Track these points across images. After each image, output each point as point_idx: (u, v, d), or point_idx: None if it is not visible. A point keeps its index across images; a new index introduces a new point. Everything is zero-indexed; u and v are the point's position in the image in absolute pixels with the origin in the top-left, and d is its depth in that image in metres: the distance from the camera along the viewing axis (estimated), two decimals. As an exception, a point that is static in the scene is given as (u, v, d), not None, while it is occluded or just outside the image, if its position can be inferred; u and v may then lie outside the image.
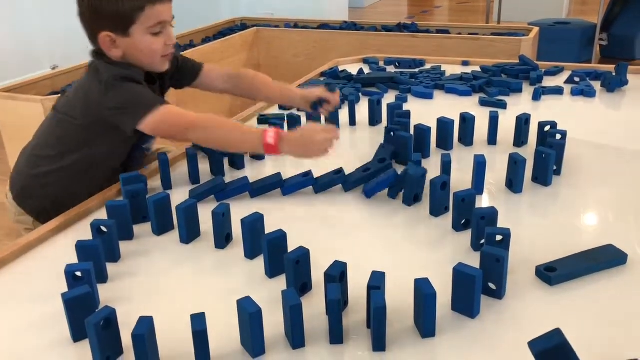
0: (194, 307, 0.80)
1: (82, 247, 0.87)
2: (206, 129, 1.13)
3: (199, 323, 0.70)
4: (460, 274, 0.77)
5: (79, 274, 0.80)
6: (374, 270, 0.78)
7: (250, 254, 0.93)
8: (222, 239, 0.96)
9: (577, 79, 1.74)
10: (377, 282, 0.76)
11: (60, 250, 0.98)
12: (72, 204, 1.10)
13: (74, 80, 2.42)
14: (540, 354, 0.54)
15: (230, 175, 1.23)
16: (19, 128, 2.12)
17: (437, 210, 1.03)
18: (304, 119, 1.45)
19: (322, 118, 1.42)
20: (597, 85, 1.70)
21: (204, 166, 1.24)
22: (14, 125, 2.13)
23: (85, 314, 0.72)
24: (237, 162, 1.27)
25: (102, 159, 1.21)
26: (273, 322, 0.76)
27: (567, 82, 1.75)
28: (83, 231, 1.02)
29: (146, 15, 1.11)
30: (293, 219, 1.06)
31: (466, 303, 0.78)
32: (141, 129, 1.11)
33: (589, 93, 1.64)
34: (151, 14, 1.12)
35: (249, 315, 0.70)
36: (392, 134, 1.26)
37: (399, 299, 0.80)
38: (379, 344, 0.72)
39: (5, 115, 2.13)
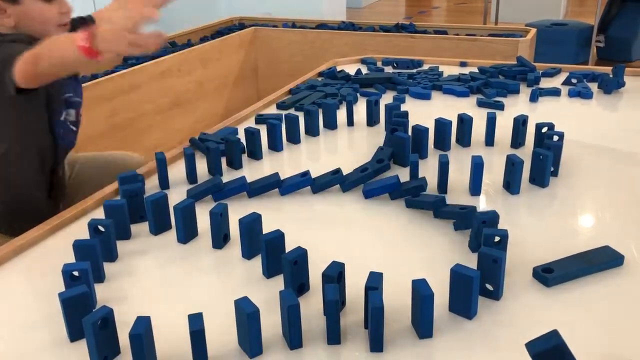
0: (191, 307, 0.80)
1: (79, 247, 0.87)
2: (42, 55, 1.06)
3: (196, 323, 0.70)
4: (458, 275, 0.77)
5: (76, 273, 0.80)
6: (372, 270, 0.78)
7: (248, 254, 0.93)
8: (220, 239, 0.96)
9: (574, 81, 1.75)
10: (374, 283, 0.76)
11: (57, 249, 0.98)
12: (24, 200, 1.10)
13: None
14: (538, 355, 0.54)
15: (228, 175, 1.22)
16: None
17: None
18: (301, 119, 1.44)
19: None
20: (594, 86, 1.71)
21: (201, 166, 1.24)
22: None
23: (83, 313, 0.72)
24: (235, 161, 1.27)
25: (27, 140, 1.20)
26: (270, 323, 0.76)
27: (564, 83, 1.75)
28: (80, 230, 1.02)
29: None
30: (291, 219, 1.06)
31: (463, 304, 0.78)
32: (17, 82, 1.08)
33: (586, 95, 1.64)
34: None
35: (247, 315, 0.70)
36: (393, 132, 1.25)
37: (397, 299, 0.80)
38: (376, 345, 0.73)
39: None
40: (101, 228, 0.92)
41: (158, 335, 0.72)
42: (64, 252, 0.93)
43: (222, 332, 0.76)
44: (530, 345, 0.55)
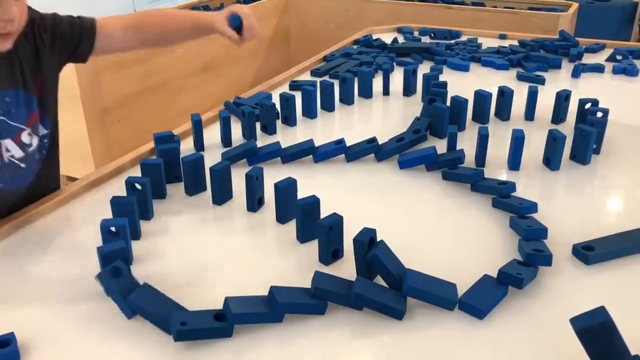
0: (224, 268, 0.81)
1: (117, 203, 0.87)
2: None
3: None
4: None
5: (113, 229, 0.81)
6: (396, 237, 0.77)
7: (282, 218, 0.93)
8: (254, 202, 0.96)
9: (619, 57, 1.68)
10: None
11: (93, 205, 0.99)
12: None
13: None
14: (583, 330, 0.53)
15: (262, 140, 1.21)
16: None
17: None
18: (336, 87, 1.42)
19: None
20: (640, 64, 1.65)
21: (235, 130, 1.23)
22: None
23: (120, 268, 0.73)
24: (269, 127, 1.26)
25: None
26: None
27: (608, 60, 1.69)
28: (116, 188, 1.02)
29: None
30: (324, 187, 1.04)
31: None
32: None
33: (632, 72, 1.58)
34: None
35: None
36: (431, 103, 1.23)
37: (433, 272, 0.78)
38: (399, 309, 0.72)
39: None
40: (138, 186, 0.92)
41: (190, 294, 0.73)
42: (100, 208, 0.94)
43: (253, 292, 0.75)
44: (575, 321, 0.54)
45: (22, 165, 0.95)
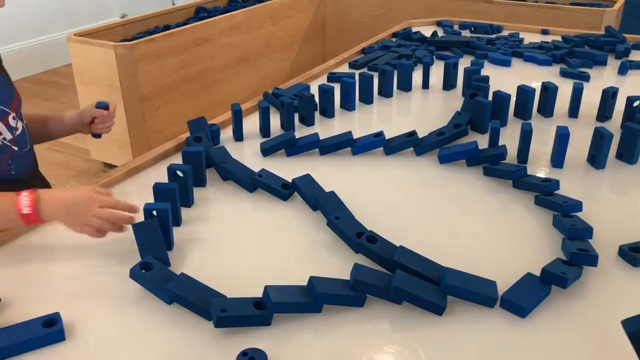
0: (264, 256, 0.80)
1: (159, 189, 0.88)
2: None
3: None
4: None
5: (155, 212, 0.82)
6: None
7: (313, 206, 0.93)
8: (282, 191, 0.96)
9: (668, 55, 1.63)
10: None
11: (133, 191, 1.00)
12: None
13: (148, 29, 2.46)
14: (636, 333, 0.51)
15: (299, 131, 1.21)
16: (91, 72, 2.18)
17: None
18: (375, 80, 1.40)
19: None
20: (690, 62, 1.59)
21: (274, 121, 1.23)
22: (86, 70, 2.19)
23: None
24: (307, 118, 1.25)
25: None
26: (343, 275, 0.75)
27: (656, 57, 1.64)
28: (153, 176, 1.03)
29: None
30: (361, 180, 1.04)
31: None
32: None
33: (681, 70, 1.53)
34: None
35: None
36: (472, 97, 1.21)
37: (476, 270, 0.77)
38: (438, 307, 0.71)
39: (79, 59, 2.19)
40: (179, 173, 0.93)
41: (229, 281, 0.73)
42: (138, 194, 0.95)
43: (290, 281, 0.75)
44: (628, 323, 0.52)
45: (15, 148, 0.99)
